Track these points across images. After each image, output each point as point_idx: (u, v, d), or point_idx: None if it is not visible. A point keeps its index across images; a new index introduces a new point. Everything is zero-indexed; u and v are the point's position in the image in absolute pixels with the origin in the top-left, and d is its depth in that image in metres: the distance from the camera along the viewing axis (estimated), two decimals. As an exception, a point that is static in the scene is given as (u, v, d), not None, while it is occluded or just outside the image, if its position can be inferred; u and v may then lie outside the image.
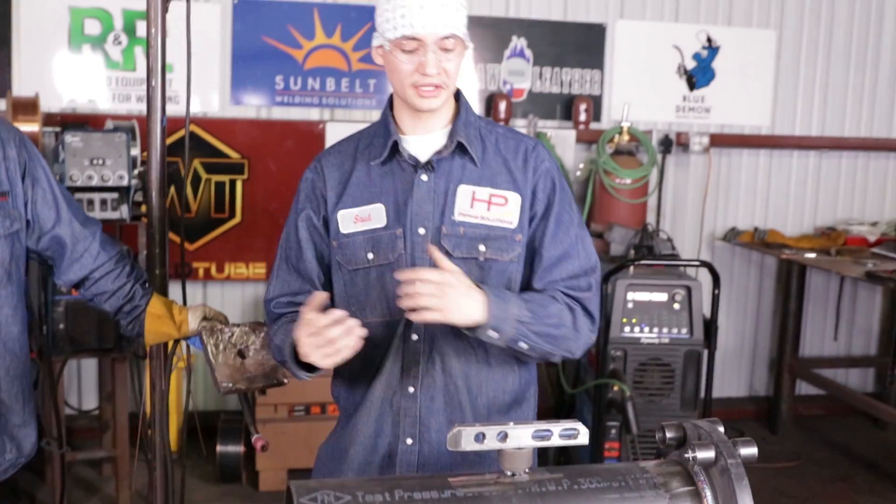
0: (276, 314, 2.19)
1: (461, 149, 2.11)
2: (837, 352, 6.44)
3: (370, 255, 2.10)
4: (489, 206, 2.09)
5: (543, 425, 1.50)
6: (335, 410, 4.67)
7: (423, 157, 2.11)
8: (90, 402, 5.29)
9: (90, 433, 5.10)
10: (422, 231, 2.08)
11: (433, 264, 2.04)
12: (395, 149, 2.12)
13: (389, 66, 2.07)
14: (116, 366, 4.29)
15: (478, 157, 2.12)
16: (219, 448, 4.71)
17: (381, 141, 2.13)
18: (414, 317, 1.93)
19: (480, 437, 1.47)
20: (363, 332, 1.94)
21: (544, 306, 2.06)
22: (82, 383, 5.36)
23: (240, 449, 4.72)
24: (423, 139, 2.13)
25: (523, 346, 2.03)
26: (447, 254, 2.06)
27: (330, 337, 1.90)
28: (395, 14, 1.99)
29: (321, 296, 1.98)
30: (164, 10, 2.74)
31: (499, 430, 1.47)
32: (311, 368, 2.05)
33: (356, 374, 2.18)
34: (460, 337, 2.08)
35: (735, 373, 6.30)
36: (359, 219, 2.11)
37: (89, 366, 5.28)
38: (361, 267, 2.11)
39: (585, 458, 4.43)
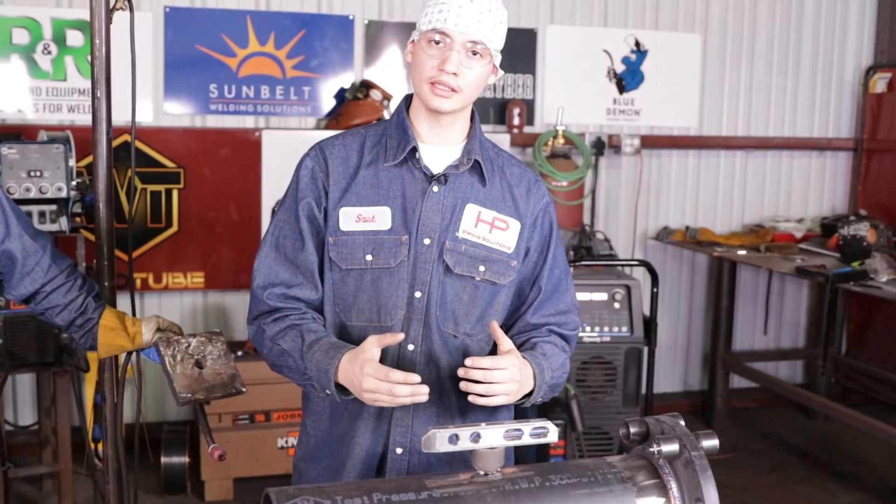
0: (270, 307, 2.11)
1: (473, 167, 2.13)
2: (767, 345, 6.62)
3: (368, 257, 2.08)
4: (491, 229, 2.12)
5: (514, 425, 1.54)
6: (280, 418, 4.73)
7: (434, 168, 2.12)
8: (27, 417, 5.20)
9: (27, 449, 5.01)
10: (427, 241, 2.08)
11: (432, 275, 2.08)
12: (411, 155, 2.11)
13: (414, 60, 2.08)
14: (57, 380, 4.22)
15: (488, 178, 2.14)
16: (163, 459, 4.66)
17: (395, 143, 2.12)
18: (481, 401, 1.96)
19: (454, 439, 1.51)
20: (426, 397, 1.95)
21: (556, 358, 2.14)
22: (17, 398, 5.26)
23: (184, 459, 4.68)
24: (437, 150, 2.14)
25: (539, 400, 2.12)
26: (447, 269, 2.09)
27: (395, 393, 1.91)
28: (434, 9, 2.03)
29: (398, 336, 1.98)
30: (109, 21, 2.73)
31: (472, 431, 1.51)
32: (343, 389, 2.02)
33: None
34: (453, 347, 2.12)
35: (670, 368, 6.43)
36: (362, 218, 2.09)
37: (24, 381, 5.19)
38: (356, 267, 2.09)
39: (531, 457, 4.49)
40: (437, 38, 2.02)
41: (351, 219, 2.09)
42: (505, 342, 2.00)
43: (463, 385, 1.96)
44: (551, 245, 2.22)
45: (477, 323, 2.15)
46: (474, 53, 2.03)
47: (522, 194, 2.19)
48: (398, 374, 1.91)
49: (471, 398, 1.97)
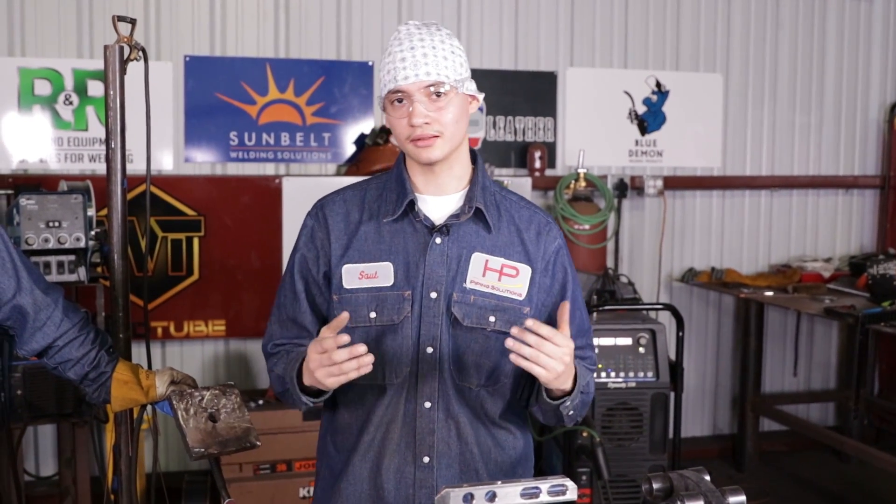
0: (274, 351, 2.14)
1: (476, 214, 2.08)
2: (798, 387, 6.50)
3: (372, 314, 2.04)
4: (500, 277, 2.06)
5: (531, 483, 1.48)
6: (301, 467, 4.66)
7: (436, 219, 2.07)
8: (48, 468, 5.17)
9: (48, 500, 4.96)
10: (434, 295, 2.03)
11: (443, 329, 2.02)
12: (410, 208, 2.07)
13: (389, 123, 2.05)
14: (77, 431, 4.19)
15: (493, 224, 2.08)
16: (183, 510, 4.62)
17: (394, 197, 2.08)
18: (522, 363, 1.84)
19: (469, 498, 1.45)
20: (370, 364, 1.86)
21: (585, 377, 2.06)
22: (39, 449, 5.23)
23: (205, 510, 4.64)
24: (437, 200, 2.09)
25: (571, 413, 2.04)
26: (456, 321, 2.03)
27: (335, 360, 1.84)
28: (384, 71, 2.00)
29: (343, 316, 1.89)
30: (123, 71, 2.72)
31: (487, 490, 1.46)
32: (313, 394, 2.01)
33: (351, 443, 2.12)
34: (472, 402, 2.07)
35: (698, 412, 6.33)
36: (364, 275, 2.05)
37: (46, 431, 5.17)
38: (361, 325, 2.04)
39: (556, 506, 4.40)
40: (397, 97, 1.99)
41: (354, 276, 2.06)
42: (567, 329, 1.88)
43: (509, 342, 1.83)
44: (568, 289, 2.15)
45: (491, 375, 2.08)
46: (438, 95, 1.98)
47: (532, 238, 2.12)
48: (331, 342, 1.84)
49: (512, 357, 1.84)
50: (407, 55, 1.96)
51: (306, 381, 1.95)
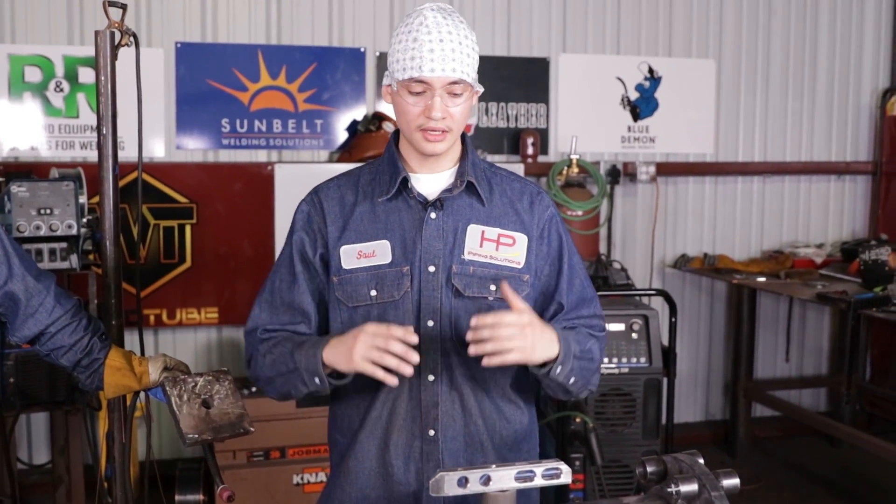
0: (265, 337, 2.15)
1: (469, 188, 2.11)
2: (790, 373, 6.52)
3: (373, 292, 2.07)
4: (497, 246, 2.09)
5: (526, 466, 1.49)
6: (295, 454, 4.66)
7: (429, 195, 2.10)
8: (41, 456, 5.16)
9: (42, 488, 4.97)
10: (432, 269, 2.06)
11: (443, 301, 2.05)
12: (404, 185, 2.10)
13: (397, 107, 2.06)
14: (70, 418, 4.18)
15: (485, 196, 2.12)
16: (177, 497, 4.59)
17: (387, 178, 2.11)
18: (495, 360, 1.89)
19: (463, 482, 1.46)
20: (410, 370, 1.91)
21: (584, 339, 2.08)
22: (32, 437, 5.23)
23: (199, 497, 4.62)
24: (429, 177, 2.12)
25: (572, 381, 2.04)
26: (458, 293, 2.05)
27: (389, 347, 1.88)
28: (405, 55, 1.98)
29: (412, 334, 1.92)
30: (114, 57, 2.70)
31: (482, 474, 1.46)
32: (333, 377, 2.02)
33: (357, 423, 2.14)
34: (476, 374, 2.08)
35: (690, 398, 6.35)
36: (362, 254, 2.08)
37: (39, 419, 5.16)
38: (362, 304, 2.08)
39: (549, 491, 4.41)
40: (417, 87, 1.99)
41: (352, 256, 2.09)
42: (517, 302, 1.92)
43: (472, 349, 1.89)
44: (564, 256, 2.18)
45: None
46: (457, 94, 2.01)
47: (525, 207, 2.16)
48: (399, 331, 1.89)
49: (484, 361, 1.89)
50: (436, 47, 1.96)
51: (328, 358, 1.98)
